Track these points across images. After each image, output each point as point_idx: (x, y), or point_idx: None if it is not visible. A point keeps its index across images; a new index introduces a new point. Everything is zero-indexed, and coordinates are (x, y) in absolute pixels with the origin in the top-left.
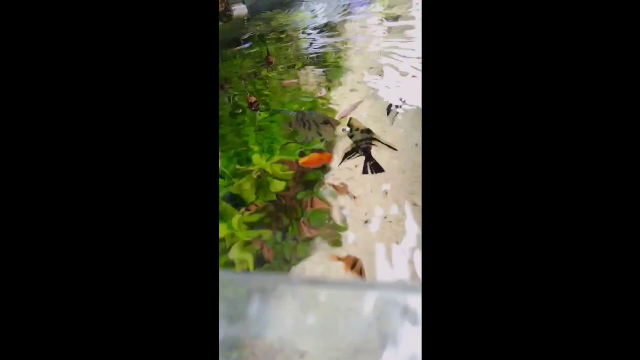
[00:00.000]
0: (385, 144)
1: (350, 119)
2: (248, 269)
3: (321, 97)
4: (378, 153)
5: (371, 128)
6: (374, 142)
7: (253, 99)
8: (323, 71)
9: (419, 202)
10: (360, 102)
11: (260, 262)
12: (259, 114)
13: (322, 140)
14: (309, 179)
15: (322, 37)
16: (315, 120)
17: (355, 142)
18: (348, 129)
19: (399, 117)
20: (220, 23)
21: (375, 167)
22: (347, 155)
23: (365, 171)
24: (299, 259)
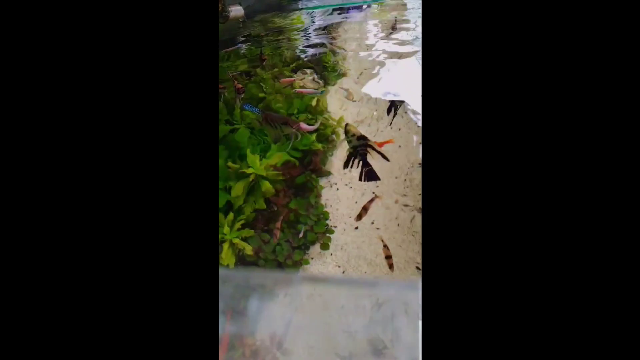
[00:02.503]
0: (380, 153)
1: (347, 125)
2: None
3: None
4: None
5: (367, 128)
6: (368, 149)
7: (239, 85)
8: (317, 73)
9: (411, 203)
10: (319, 123)
11: (244, 262)
12: (241, 99)
13: (287, 139)
14: (298, 183)
15: (318, 40)
16: (277, 121)
17: (352, 147)
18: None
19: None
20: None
21: (369, 175)
22: (348, 162)
23: (360, 178)
24: (296, 263)
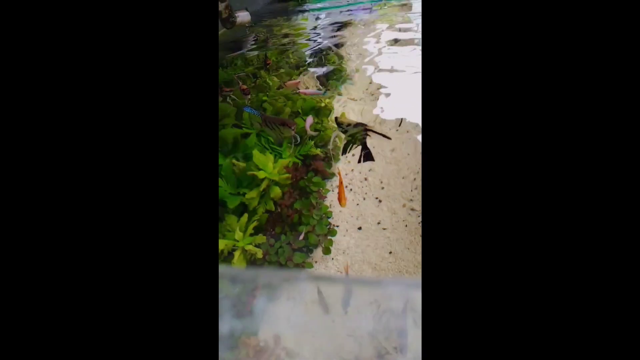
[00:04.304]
0: (380, 134)
1: (336, 118)
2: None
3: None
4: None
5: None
6: (368, 132)
7: (244, 86)
8: (324, 76)
9: (417, 207)
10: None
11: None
12: (249, 98)
13: (290, 143)
14: (301, 186)
15: (323, 44)
16: (275, 122)
17: (350, 135)
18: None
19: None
20: (223, 29)
21: (367, 157)
22: (346, 148)
23: (360, 160)
24: (297, 265)
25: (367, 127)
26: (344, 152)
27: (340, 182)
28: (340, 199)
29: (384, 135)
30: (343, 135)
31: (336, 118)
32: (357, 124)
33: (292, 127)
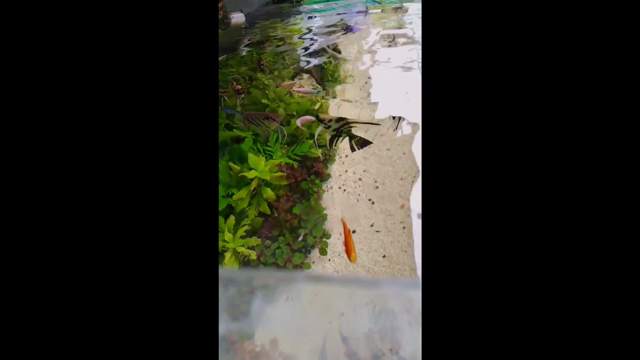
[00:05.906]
0: (365, 123)
1: (317, 116)
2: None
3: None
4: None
5: (368, 133)
6: (352, 124)
7: (239, 86)
8: (315, 79)
9: (416, 209)
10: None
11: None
12: (243, 97)
13: (277, 136)
14: (303, 188)
15: (318, 45)
16: (257, 117)
17: (334, 129)
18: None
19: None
20: (218, 30)
21: (360, 144)
22: (332, 142)
23: (352, 149)
24: (296, 267)
25: (350, 120)
26: (330, 145)
27: (347, 232)
28: (349, 251)
29: (370, 124)
30: (327, 131)
31: (317, 115)
32: (339, 119)
33: (277, 120)
